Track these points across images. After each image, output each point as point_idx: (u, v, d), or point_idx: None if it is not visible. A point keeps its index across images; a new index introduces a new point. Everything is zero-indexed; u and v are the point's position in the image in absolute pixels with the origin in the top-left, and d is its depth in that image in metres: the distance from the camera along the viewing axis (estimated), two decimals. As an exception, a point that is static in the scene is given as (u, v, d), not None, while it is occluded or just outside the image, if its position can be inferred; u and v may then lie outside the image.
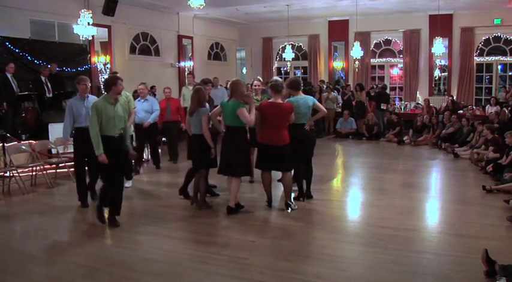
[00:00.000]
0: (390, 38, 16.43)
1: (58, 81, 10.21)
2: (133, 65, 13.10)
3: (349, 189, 7.20)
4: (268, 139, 5.52)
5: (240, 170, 5.50)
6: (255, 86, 6.82)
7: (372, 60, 16.63)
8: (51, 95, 9.90)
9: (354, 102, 13.51)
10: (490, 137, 8.42)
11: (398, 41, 16.29)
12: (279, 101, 5.57)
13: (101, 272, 4.01)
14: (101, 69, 12.42)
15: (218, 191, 6.47)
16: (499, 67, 15.20)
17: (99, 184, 5.68)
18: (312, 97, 6.20)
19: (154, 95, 11.43)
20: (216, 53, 17.53)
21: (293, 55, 16.33)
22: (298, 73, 18.10)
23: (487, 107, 12.73)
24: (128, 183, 6.78)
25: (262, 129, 5.57)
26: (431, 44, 14.43)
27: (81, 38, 10.54)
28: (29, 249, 4.52)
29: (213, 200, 6.14)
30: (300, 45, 17.75)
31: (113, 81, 5.04)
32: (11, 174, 7.02)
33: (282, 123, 5.53)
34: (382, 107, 13.22)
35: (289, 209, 5.65)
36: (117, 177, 5.08)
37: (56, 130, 8.75)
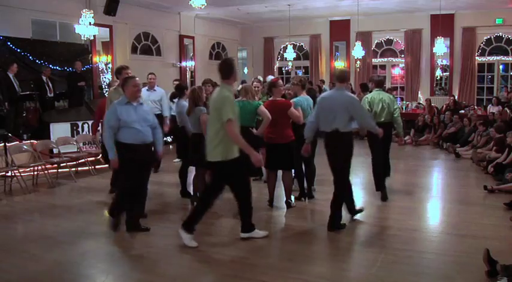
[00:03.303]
0: (392, 38, 16.42)
1: (83, 79, 10.49)
2: (135, 65, 12.95)
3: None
4: (272, 138, 5.56)
5: (252, 170, 5.50)
6: (255, 87, 6.87)
7: (373, 60, 16.61)
8: (52, 94, 9.94)
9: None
10: (497, 136, 8.38)
11: (399, 41, 16.28)
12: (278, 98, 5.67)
13: (102, 271, 4.02)
14: (103, 69, 12.45)
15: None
16: (501, 67, 15.17)
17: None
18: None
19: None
20: (218, 52, 17.53)
21: (294, 55, 16.32)
22: (300, 73, 18.09)
23: (488, 107, 12.72)
24: None
25: (267, 128, 5.57)
26: (432, 43, 14.43)
27: (82, 38, 10.56)
28: (31, 248, 4.53)
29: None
30: (302, 45, 17.75)
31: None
32: (13, 174, 7.04)
33: (281, 120, 5.53)
34: None
35: (290, 206, 5.73)
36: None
37: (57, 130, 8.79)
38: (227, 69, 4.43)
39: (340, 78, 5.05)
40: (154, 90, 8.11)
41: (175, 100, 6.39)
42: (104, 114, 5.98)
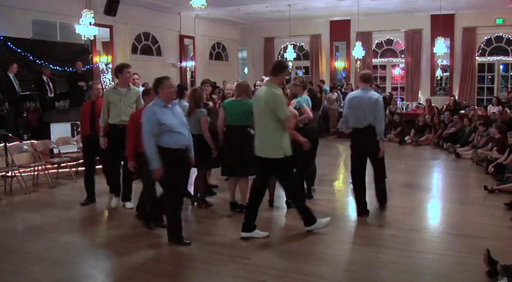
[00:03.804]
0: (392, 38, 16.45)
1: (83, 79, 10.40)
2: (135, 65, 12.77)
3: (350, 189, 7.19)
4: None
5: (250, 170, 5.46)
6: (258, 85, 6.86)
7: (373, 60, 16.63)
8: (52, 95, 9.94)
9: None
10: (498, 136, 8.37)
11: (400, 41, 16.29)
12: None
13: (102, 271, 4.03)
14: (103, 69, 12.46)
15: (219, 191, 6.49)
16: (501, 67, 15.19)
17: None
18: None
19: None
20: (218, 53, 17.55)
21: (295, 55, 16.37)
22: (300, 73, 18.11)
23: (488, 107, 12.72)
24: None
25: None
26: (433, 44, 14.45)
27: (83, 38, 10.58)
28: (31, 249, 4.53)
29: (213, 199, 6.13)
30: (302, 45, 17.78)
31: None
32: (13, 174, 7.03)
33: None
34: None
35: (290, 207, 5.68)
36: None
37: (57, 130, 8.79)
38: (279, 67, 4.66)
39: (364, 78, 5.47)
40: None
41: (176, 101, 6.34)
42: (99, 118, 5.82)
